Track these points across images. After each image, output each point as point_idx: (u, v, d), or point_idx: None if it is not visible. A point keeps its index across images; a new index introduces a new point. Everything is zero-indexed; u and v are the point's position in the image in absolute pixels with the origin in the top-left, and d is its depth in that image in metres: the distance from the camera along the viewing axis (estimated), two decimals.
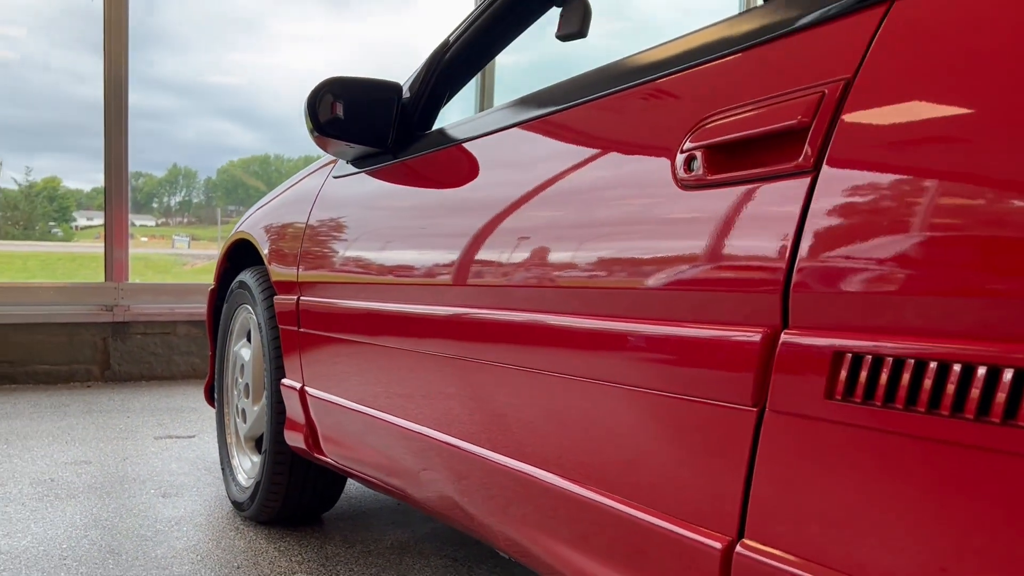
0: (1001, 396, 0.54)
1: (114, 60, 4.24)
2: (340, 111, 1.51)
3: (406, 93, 1.53)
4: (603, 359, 0.89)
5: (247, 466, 2.14)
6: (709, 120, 0.80)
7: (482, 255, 1.14)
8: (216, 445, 2.69)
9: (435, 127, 1.52)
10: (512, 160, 1.18)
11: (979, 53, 0.60)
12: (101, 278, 4.26)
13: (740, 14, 0.85)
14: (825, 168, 0.68)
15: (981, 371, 0.56)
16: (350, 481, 2.48)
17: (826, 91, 0.69)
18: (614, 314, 0.88)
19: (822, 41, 0.73)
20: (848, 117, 0.67)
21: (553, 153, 1.07)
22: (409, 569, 1.78)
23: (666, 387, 0.81)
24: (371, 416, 1.44)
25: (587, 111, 1.03)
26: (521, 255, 1.04)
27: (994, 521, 0.55)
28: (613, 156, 0.96)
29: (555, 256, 0.99)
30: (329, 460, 1.67)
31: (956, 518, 0.57)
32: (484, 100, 4.89)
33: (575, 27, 1.35)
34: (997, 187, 0.56)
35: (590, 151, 1.00)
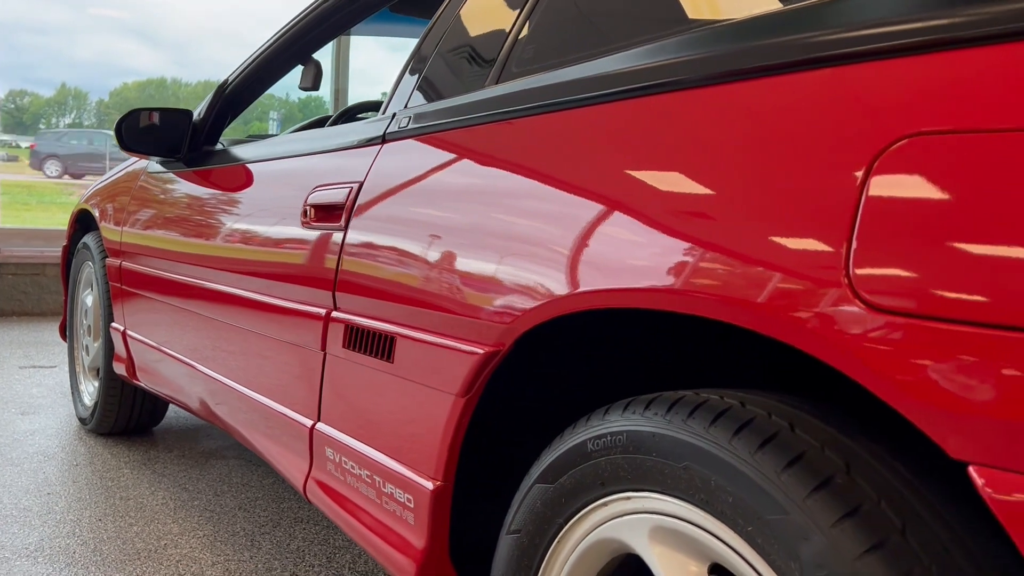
0: (385, 343, 1.17)
1: None
2: (156, 119, 2.06)
3: (198, 115, 2.08)
4: (259, 321, 1.51)
5: (90, 390, 2.69)
6: (314, 191, 1.41)
7: (211, 245, 1.73)
8: None
9: (219, 144, 2.09)
10: (233, 187, 1.78)
11: (423, 171, 1.22)
12: None
13: (335, 127, 1.46)
14: (350, 228, 1.29)
15: (385, 335, 1.18)
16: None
17: (353, 185, 1.31)
18: (268, 294, 1.50)
19: (356, 158, 1.34)
20: (359, 201, 1.29)
21: (253, 188, 1.67)
22: (212, 467, 2.39)
23: (288, 339, 1.43)
24: (161, 351, 2.02)
25: (277, 166, 1.63)
26: (227, 251, 1.65)
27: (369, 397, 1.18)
28: (282, 201, 1.56)
29: (243, 253, 1.59)
30: (142, 384, 2.24)
31: (371, 398, 1.20)
32: (339, 82, 5.41)
33: (309, 83, 1.93)
34: (439, 246, 1.19)
35: (269, 194, 1.60)
